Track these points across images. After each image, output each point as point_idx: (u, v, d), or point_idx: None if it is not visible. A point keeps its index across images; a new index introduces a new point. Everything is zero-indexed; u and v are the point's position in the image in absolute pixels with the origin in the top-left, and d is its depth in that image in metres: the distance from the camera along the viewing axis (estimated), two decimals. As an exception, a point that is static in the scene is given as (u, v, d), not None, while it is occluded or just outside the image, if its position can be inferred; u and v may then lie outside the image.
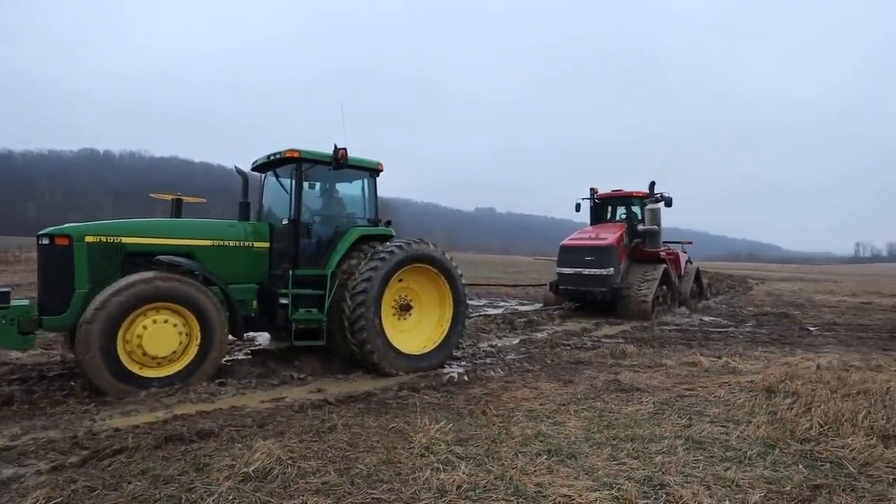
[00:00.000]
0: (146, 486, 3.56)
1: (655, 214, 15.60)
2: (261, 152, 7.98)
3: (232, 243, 7.11)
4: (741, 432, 4.86)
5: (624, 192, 16.86)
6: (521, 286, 23.60)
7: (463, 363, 8.17)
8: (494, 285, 22.94)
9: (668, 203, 15.95)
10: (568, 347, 9.44)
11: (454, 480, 3.70)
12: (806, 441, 4.63)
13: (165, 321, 6.00)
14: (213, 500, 3.37)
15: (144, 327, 5.88)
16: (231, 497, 3.42)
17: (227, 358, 7.88)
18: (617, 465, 4.10)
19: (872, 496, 3.64)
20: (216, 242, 6.97)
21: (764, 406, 5.63)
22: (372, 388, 6.36)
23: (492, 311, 14.83)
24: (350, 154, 7.27)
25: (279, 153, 7.49)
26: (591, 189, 17.36)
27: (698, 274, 19.33)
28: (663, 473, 3.93)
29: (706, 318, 14.80)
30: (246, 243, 7.25)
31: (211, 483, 3.62)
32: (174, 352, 6.06)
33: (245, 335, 7.60)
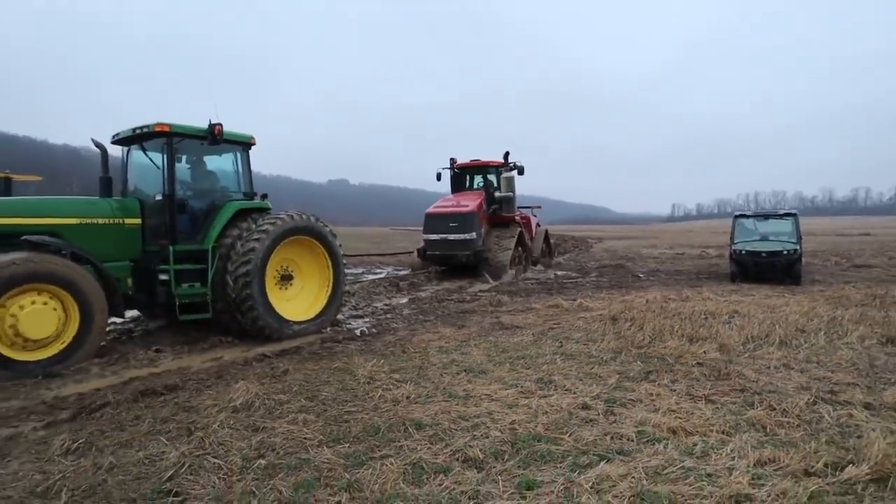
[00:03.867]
0: (149, 426, 4.21)
1: (510, 182, 17.14)
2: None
3: (101, 221, 6.88)
4: (597, 346, 6.57)
5: (482, 162, 18.16)
6: (390, 254, 24.77)
7: (366, 319, 9.20)
8: (367, 255, 23.85)
9: (521, 171, 17.74)
10: (452, 301, 10.88)
11: (402, 394, 4.84)
12: (641, 347, 6.46)
13: (45, 303, 5.86)
14: (218, 426, 4.14)
15: (19, 310, 5.70)
16: (231, 423, 4.22)
17: (146, 327, 8.11)
18: (516, 373, 5.52)
19: (683, 374, 5.45)
20: (83, 220, 6.71)
21: (611, 329, 7.47)
22: (298, 344, 7.19)
23: (373, 277, 15.82)
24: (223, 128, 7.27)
25: (147, 127, 7.21)
26: (451, 159, 18.57)
27: (547, 235, 21.81)
28: (550, 375, 5.42)
29: (559, 273, 17.23)
30: (115, 220, 7.02)
31: (206, 416, 4.37)
32: (51, 334, 5.91)
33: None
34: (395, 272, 17.50)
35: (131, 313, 8.60)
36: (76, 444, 3.81)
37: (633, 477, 3.22)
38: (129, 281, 7.07)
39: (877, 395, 4.75)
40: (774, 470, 3.34)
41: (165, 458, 3.52)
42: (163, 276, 7.00)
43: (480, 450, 3.62)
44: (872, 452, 3.35)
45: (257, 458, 3.54)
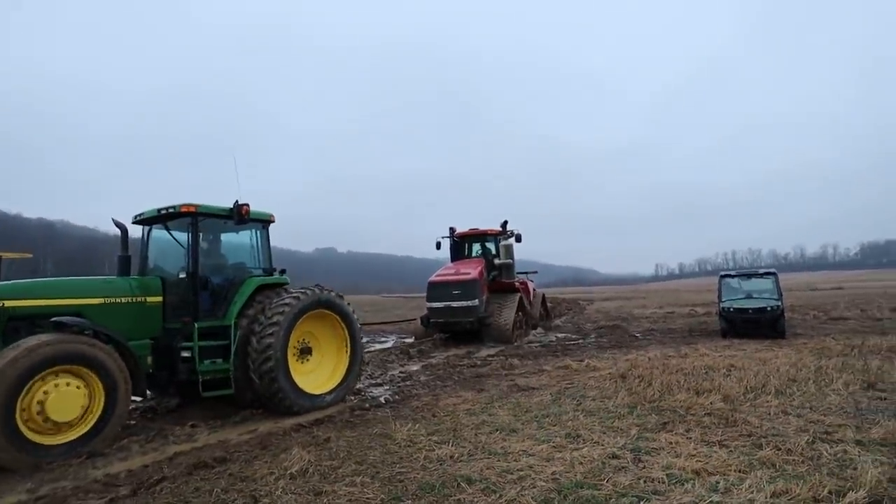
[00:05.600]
0: (215, 497, 4.50)
1: (509, 249, 17.86)
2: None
3: (123, 299, 6.94)
4: (613, 402, 7.04)
5: (480, 231, 18.90)
6: (392, 322, 25.13)
7: (386, 387, 9.55)
8: (370, 324, 24.17)
9: (518, 239, 18.55)
10: (465, 366, 11.28)
11: (445, 453, 5.25)
12: (653, 401, 6.95)
13: (67, 384, 5.79)
14: (281, 492, 4.50)
15: (46, 393, 5.63)
16: (293, 488, 4.58)
17: (168, 404, 8.36)
18: (545, 430, 5.96)
19: (695, 423, 5.95)
20: (107, 300, 6.78)
21: (622, 386, 7.95)
22: (330, 413, 7.53)
23: (380, 346, 16.17)
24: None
25: (173, 207, 7.39)
26: (451, 228, 19.33)
27: (544, 299, 22.41)
28: (576, 430, 5.87)
29: (559, 335, 17.69)
30: (137, 298, 7.09)
31: (266, 484, 4.71)
32: (76, 416, 5.84)
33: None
34: (401, 340, 17.85)
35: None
36: (149, 519, 4.13)
37: (671, 513, 3.68)
38: (149, 359, 7.09)
39: (865, 433, 5.40)
40: (788, 500, 3.87)
41: (244, 524, 3.89)
42: (185, 353, 7.07)
43: (532, 498, 4.05)
44: (867, 480, 4.01)
45: (331, 517, 3.92)
